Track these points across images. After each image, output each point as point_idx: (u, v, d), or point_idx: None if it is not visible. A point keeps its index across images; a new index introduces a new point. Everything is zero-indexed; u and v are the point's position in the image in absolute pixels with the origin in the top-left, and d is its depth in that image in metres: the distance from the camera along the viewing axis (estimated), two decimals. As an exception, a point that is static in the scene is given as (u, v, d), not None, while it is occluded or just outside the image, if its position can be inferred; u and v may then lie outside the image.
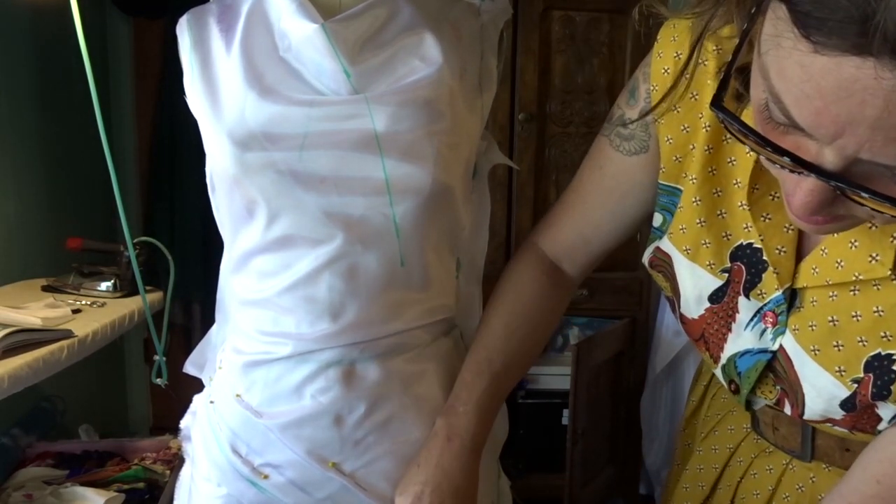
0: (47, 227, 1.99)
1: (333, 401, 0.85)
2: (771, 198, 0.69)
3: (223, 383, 0.92)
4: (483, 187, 0.98)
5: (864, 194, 0.45)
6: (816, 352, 0.67)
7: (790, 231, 0.68)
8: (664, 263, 0.80)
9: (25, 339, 1.25)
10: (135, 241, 1.35)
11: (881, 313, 0.62)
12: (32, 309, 1.42)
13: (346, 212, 0.82)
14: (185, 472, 0.99)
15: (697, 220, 0.74)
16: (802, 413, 0.70)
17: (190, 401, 1.02)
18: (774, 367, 0.72)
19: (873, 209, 0.46)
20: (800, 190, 0.49)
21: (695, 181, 0.74)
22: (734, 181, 0.72)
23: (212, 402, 0.93)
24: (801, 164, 0.46)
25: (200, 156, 0.89)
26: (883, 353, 0.62)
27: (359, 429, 0.85)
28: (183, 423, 1.02)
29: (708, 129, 0.72)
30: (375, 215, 0.82)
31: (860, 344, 0.63)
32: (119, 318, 1.55)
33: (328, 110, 0.81)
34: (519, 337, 0.88)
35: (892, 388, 0.61)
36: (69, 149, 2.12)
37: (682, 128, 0.75)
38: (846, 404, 0.66)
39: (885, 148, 0.42)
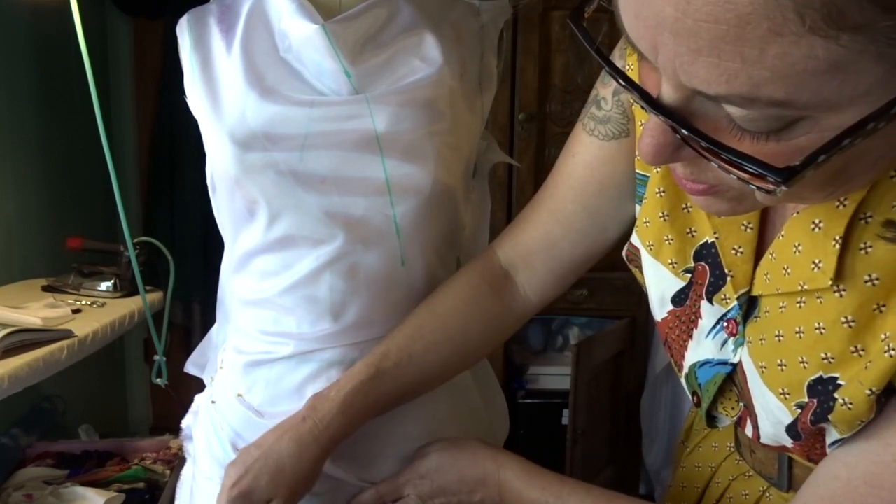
0: (47, 227, 2.00)
1: (334, 401, 0.85)
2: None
3: (224, 383, 0.92)
4: (483, 187, 0.98)
5: (696, 138, 0.41)
6: (763, 369, 0.59)
7: (749, 230, 0.61)
8: (636, 259, 0.72)
9: (25, 339, 1.26)
10: (135, 241, 1.35)
11: (822, 331, 0.54)
12: (32, 309, 1.42)
13: (346, 212, 0.82)
14: (186, 472, 0.99)
15: (660, 214, 0.66)
16: (759, 436, 0.63)
17: (190, 401, 1.02)
18: (734, 380, 0.65)
19: (719, 164, 0.41)
20: (647, 129, 0.45)
21: (658, 170, 0.66)
22: None
23: (213, 401, 0.93)
24: (642, 97, 0.43)
25: (200, 156, 0.89)
26: (825, 377, 0.54)
27: (359, 428, 0.85)
28: (184, 423, 1.02)
29: None
30: (376, 215, 0.82)
31: (801, 365, 0.56)
32: (119, 318, 1.55)
33: (329, 111, 0.81)
34: (427, 342, 0.80)
35: (830, 417, 0.54)
36: (69, 149, 2.12)
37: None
38: (791, 431, 0.58)
39: (694, 66, 0.38)
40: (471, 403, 0.95)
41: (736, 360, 0.63)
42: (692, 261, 0.65)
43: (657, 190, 0.67)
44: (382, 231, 0.83)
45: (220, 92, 0.84)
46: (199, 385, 1.02)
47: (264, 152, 0.81)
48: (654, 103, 0.43)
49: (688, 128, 0.41)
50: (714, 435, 0.82)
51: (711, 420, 0.71)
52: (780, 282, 0.57)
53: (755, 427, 0.63)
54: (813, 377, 0.55)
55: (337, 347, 0.85)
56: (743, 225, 0.61)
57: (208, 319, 1.17)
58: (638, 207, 0.71)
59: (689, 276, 0.66)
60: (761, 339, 0.60)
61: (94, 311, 1.56)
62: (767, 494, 0.71)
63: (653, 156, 0.46)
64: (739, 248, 0.61)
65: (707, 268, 0.64)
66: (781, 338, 0.58)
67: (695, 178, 0.48)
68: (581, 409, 2.01)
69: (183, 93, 0.88)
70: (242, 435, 0.88)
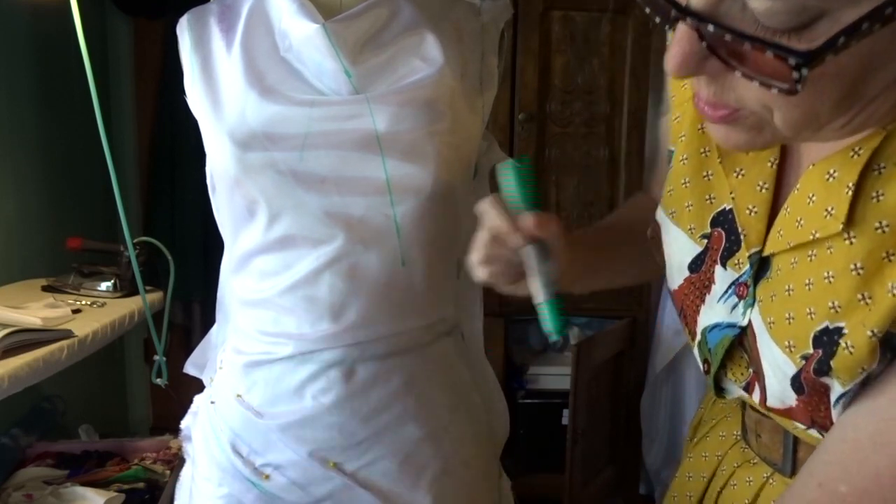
0: (47, 227, 1.99)
1: (334, 401, 0.85)
2: (745, 152, 0.64)
3: (224, 383, 0.92)
4: (483, 187, 0.97)
5: (722, 34, 0.44)
6: (772, 325, 0.61)
7: (764, 190, 0.63)
8: (657, 237, 0.74)
9: (25, 339, 1.25)
10: (135, 241, 1.35)
11: (831, 279, 0.56)
12: (32, 309, 1.42)
13: (346, 212, 0.82)
14: (185, 473, 0.99)
15: (683, 181, 0.70)
16: (766, 398, 0.64)
17: (190, 401, 1.02)
18: (744, 343, 0.66)
19: (743, 72, 0.45)
20: (674, 41, 0.48)
21: (684, 138, 0.70)
22: (717, 157, 0.67)
23: (213, 402, 0.93)
24: (671, 3, 0.46)
25: (200, 156, 0.89)
26: (831, 327, 0.55)
27: (360, 429, 0.85)
28: (183, 424, 1.02)
29: None
30: (376, 215, 0.82)
31: (809, 317, 0.57)
32: (119, 318, 1.55)
33: (329, 110, 0.81)
34: (619, 228, 0.86)
35: (832, 363, 0.55)
36: (69, 149, 2.12)
37: (683, 84, 0.72)
38: (795, 383, 0.59)
39: None
40: (471, 403, 0.95)
41: (744, 323, 0.64)
42: (710, 227, 0.68)
43: (681, 158, 0.70)
44: (382, 231, 0.83)
45: (220, 92, 0.84)
46: (199, 385, 1.02)
47: (264, 152, 0.81)
48: (683, 8, 0.46)
49: (715, 24, 0.44)
50: (722, 424, 0.83)
51: (720, 391, 0.72)
52: (792, 235, 0.59)
53: (762, 390, 0.64)
54: (819, 328, 0.56)
55: (337, 348, 0.85)
56: (758, 185, 0.63)
57: (208, 319, 1.17)
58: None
59: (706, 241, 0.68)
60: (772, 296, 0.61)
61: (94, 311, 1.56)
62: (771, 481, 0.72)
63: (679, 66, 0.48)
64: (754, 207, 0.63)
65: (723, 234, 0.66)
66: (791, 292, 0.59)
67: (717, 101, 0.51)
68: (581, 409, 2.01)
69: (183, 93, 0.88)
70: (242, 435, 0.88)
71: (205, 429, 0.93)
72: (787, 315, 0.59)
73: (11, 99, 1.86)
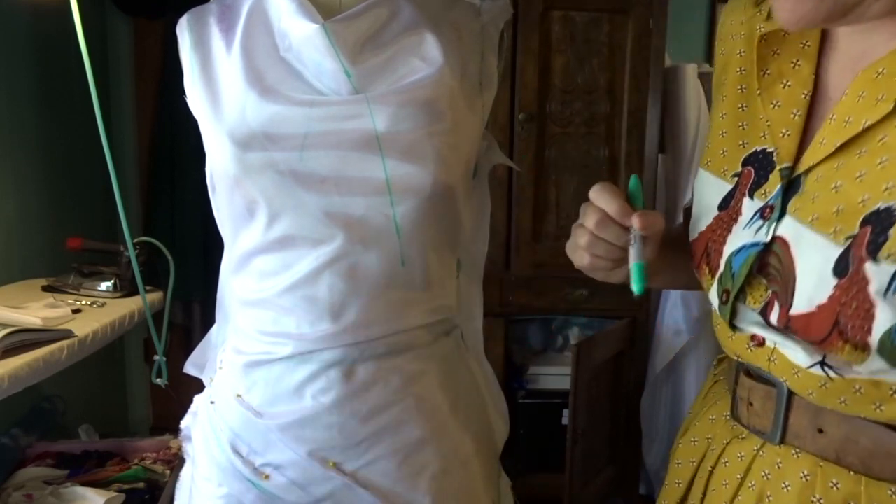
0: (47, 227, 2.00)
1: (334, 401, 0.85)
2: (783, 86, 0.73)
3: (224, 383, 0.92)
4: (483, 187, 0.98)
5: None
6: (815, 220, 0.65)
7: (797, 117, 0.71)
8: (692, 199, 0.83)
9: (25, 339, 1.26)
10: (135, 241, 1.36)
11: (885, 163, 0.61)
12: (32, 309, 1.42)
13: (346, 212, 0.82)
14: (185, 473, 0.99)
15: (720, 133, 0.78)
16: (790, 308, 0.66)
17: (190, 401, 1.02)
18: (768, 262, 0.70)
19: None
20: None
21: (725, 98, 0.79)
22: (756, 90, 0.75)
23: (212, 402, 0.93)
24: None
25: (200, 156, 0.89)
26: (883, 207, 0.60)
27: (359, 429, 0.85)
28: (183, 424, 1.02)
29: (742, 53, 0.78)
30: (376, 215, 0.82)
31: (860, 204, 0.62)
32: (119, 318, 1.55)
33: (329, 110, 0.81)
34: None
35: (890, 232, 0.59)
36: (69, 149, 2.12)
37: (721, 52, 0.82)
38: (838, 267, 0.62)
39: None
40: (471, 403, 0.95)
41: (767, 239, 0.70)
42: (741, 166, 0.75)
43: (721, 114, 0.79)
44: (382, 231, 0.83)
45: (220, 91, 0.84)
46: (199, 385, 1.02)
47: (264, 152, 0.81)
48: None
49: None
50: (712, 409, 0.86)
51: (733, 328, 0.75)
52: (840, 135, 0.65)
53: (785, 304, 0.67)
54: (870, 210, 0.61)
55: (336, 348, 0.85)
56: (792, 113, 0.71)
57: (208, 319, 1.17)
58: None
59: (737, 179, 0.75)
60: (813, 199, 0.67)
61: (94, 311, 1.56)
62: (761, 453, 0.75)
63: None
64: (787, 130, 0.71)
65: (752, 170, 0.74)
66: (838, 188, 0.64)
67: None
68: (581, 409, 2.01)
69: (183, 93, 0.88)
70: (241, 435, 0.88)
71: (205, 429, 0.93)
72: (835, 208, 0.64)
73: (11, 99, 1.86)
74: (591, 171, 2.22)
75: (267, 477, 0.87)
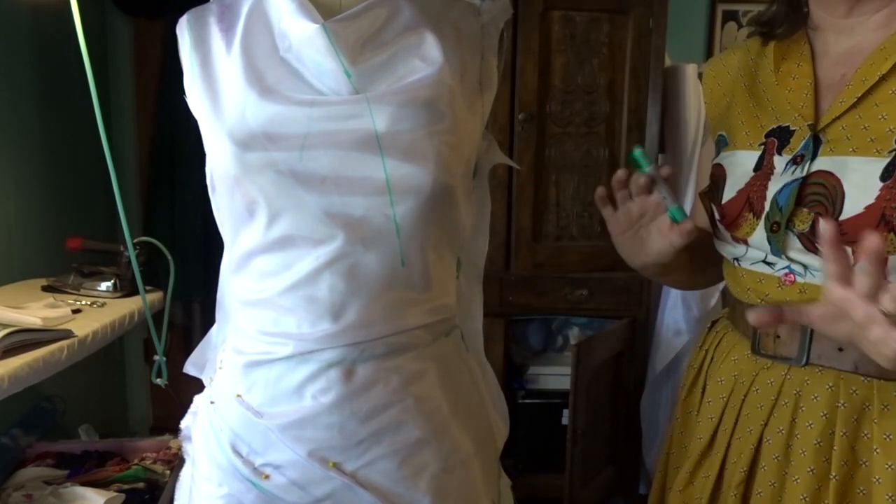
0: (47, 227, 2.00)
1: (334, 401, 0.85)
2: (792, 78, 0.92)
3: (224, 383, 0.92)
4: (483, 187, 0.98)
5: None
6: (855, 150, 0.82)
7: (808, 96, 0.89)
8: (716, 182, 0.97)
9: (25, 339, 1.26)
10: (135, 241, 1.36)
11: None
12: (32, 309, 1.42)
13: (346, 212, 0.82)
14: (185, 473, 0.99)
15: (740, 121, 0.97)
16: (839, 215, 0.81)
17: (190, 401, 1.02)
18: (806, 194, 0.85)
19: None
20: None
21: (735, 103, 1.00)
22: (774, 82, 0.94)
23: (212, 402, 0.93)
24: None
25: (200, 156, 0.89)
26: None
27: (359, 429, 0.85)
28: (183, 424, 1.02)
29: (742, 74, 1.02)
30: (376, 215, 0.82)
31: (889, 132, 0.80)
32: (119, 318, 1.55)
33: (329, 110, 0.81)
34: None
35: None
36: (69, 149, 2.12)
37: (718, 84, 1.05)
38: (885, 173, 0.79)
39: None
40: (471, 403, 0.95)
41: (804, 174, 0.85)
42: (764, 137, 0.93)
43: (736, 112, 0.98)
44: (382, 231, 0.83)
45: (220, 91, 0.84)
46: (199, 385, 1.02)
47: (264, 152, 0.81)
48: None
49: None
50: (733, 351, 0.98)
51: (769, 264, 0.90)
52: (858, 90, 0.84)
53: (832, 213, 0.82)
54: None
55: (337, 348, 0.84)
56: (804, 94, 0.90)
57: (208, 319, 1.17)
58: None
59: (763, 146, 0.92)
60: (847, 137, 0.84)
61: (94, 311, 1.56)
62: (789, 376, 0.90)
63: None
64: (803, 105, 0.90)
65: (776, 139, 0.91)
66: (867, 128, 0.82)
67: None
68: (581, 409, 2.01)
69: (183, 93, 0.88)
70: (241, 435, 0.88)
71: (204, 429, 0.93)
72: (869, 139, 0.82)
73: (11, 99, 1.86)
74: (591, 170, 2.22)
75: (267, 477, 0.87)
